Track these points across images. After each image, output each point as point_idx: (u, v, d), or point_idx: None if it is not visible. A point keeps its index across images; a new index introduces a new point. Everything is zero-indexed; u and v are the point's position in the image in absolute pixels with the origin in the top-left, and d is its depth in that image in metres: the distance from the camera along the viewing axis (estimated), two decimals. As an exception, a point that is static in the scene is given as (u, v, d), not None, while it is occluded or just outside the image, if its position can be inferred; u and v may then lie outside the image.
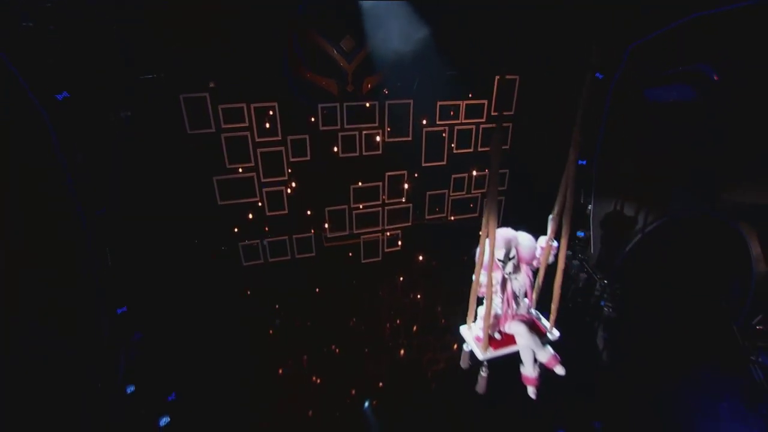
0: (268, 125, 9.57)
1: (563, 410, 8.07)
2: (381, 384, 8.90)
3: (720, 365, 8.25)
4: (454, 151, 10.92)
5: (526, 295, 4.65)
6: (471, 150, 10.99)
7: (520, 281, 4.57)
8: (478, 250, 4.30)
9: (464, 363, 4.74)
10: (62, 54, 7.58)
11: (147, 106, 8.72)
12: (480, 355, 4.48)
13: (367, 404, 8.41)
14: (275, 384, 8.93)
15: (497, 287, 4.51)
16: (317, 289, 10.97)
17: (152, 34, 8.21)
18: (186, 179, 9.34)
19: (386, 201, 10.96)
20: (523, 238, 4.60)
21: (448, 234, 11.56)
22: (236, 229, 10.20)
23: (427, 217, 11.45)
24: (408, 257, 11.59)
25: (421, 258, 11.75)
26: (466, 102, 10.48)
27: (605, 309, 10.59)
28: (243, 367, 8.91)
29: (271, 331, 10.15)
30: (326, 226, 10.78)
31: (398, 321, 10.53)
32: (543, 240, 4.54)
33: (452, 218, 11.58)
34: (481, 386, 4.67)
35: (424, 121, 10.48)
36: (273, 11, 8.89)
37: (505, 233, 4.45)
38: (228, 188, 9.80)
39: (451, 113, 10.47)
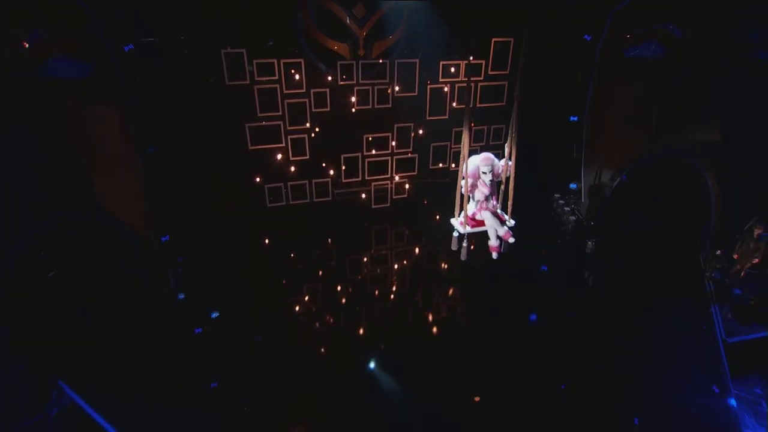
0: (297, 77, 11.04)
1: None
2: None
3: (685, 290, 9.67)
4: (455, 106, 12.36)
5: (493, 197, 6.57)
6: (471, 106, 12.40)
7: (491, 186, 6.46)
8: (462, 165, 6.17)
9: (454, 245, 6.58)
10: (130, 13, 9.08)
11: (193, 61, 10.20)
12: (461, 231, 6.38)
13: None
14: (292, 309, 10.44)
15: (479, 191, 6.41)
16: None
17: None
18: (223, 125, 10.83)
19: (395, 150, 12.43)
20: (496, 160, 6.49)
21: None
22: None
23: (430, 167, 12.92)
24: (415, 204, 13.09)
25: (425, 202, 13.25)
26: (465, 62, 11.91)
27: (588, 245, 12.05)
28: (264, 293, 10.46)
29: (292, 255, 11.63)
30: (343, 169, 12.24)
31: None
32: (503, 161, 6.47)
33: (453, 167, 13.03)
34: (463, 254, 6.52)
35: (428, 82, 11.97)
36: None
37: (488, 155, 6.35)
38: (258, 134, 11.30)
39: (452, 70, 11.90)
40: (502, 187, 6.51)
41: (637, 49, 10.87)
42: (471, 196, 6.43)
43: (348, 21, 11.10)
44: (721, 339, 8.04)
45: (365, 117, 11.96)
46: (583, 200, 12.63)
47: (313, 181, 12.15)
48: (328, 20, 11.10)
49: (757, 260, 9.29)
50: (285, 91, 11.08)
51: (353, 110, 11.81)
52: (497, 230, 6.33)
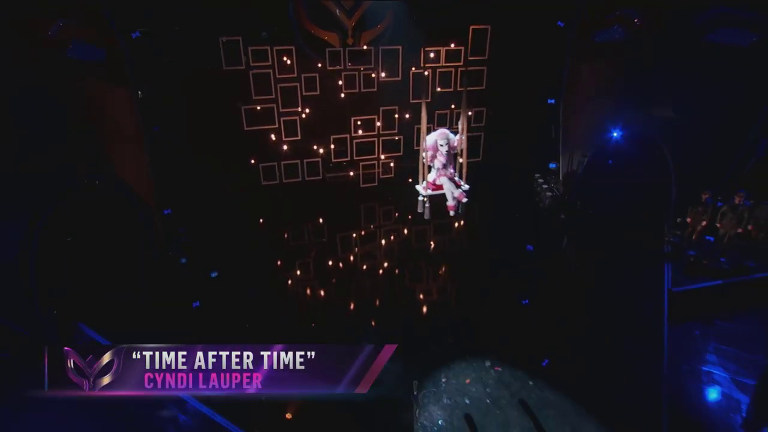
0: (288, 62, 12.03)
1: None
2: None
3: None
4: (438, 90, 13.27)
5: (450, 165, 7.88)
6: (451, 89, 13.34)
7: (448, 157, 7.80)
8: (423, 141, 7.56)
9: (420, 208, 7.92)
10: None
11: (192, 49, 11.22)
12: (423, 193, 7.74)
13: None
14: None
15: (437, 160, 7.82)
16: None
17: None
18: (220, 107, 11.84)
19: (381, 132, 13.37)
20: (451, 134, 7.82)
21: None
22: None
23: (415, 147, 13.80)
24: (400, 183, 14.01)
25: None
26: (446, 48, 12.84)
27: (562, 217, 12.91)
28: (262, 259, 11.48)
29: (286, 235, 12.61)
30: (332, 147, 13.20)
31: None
32: (458, 136, 7.78)
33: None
34: (426, 213, 7.91)
35: (413, 68, 12.90)
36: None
37: (444, 131, 7.78)
38: (253, 116, 12.29)
39: (432, 55, 12.83)
40: (459, 159, 7.79)
41: (604, 34, 11.73)
42: (431, 165, 7.75)
43: (337, 12, 12.05)
44: (667, 289, 8.98)
45: (352, 101, 12.94)
46: (561, 178, 13.51)
47: (305, 160, 13.13)
48: (319, 11, 12.02)
49: (704, 222, 10.11)
50: (278, 76, 12.09)
51: (342, 95, 12.80)
52: (453, 192, 7.65)
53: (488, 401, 7.32)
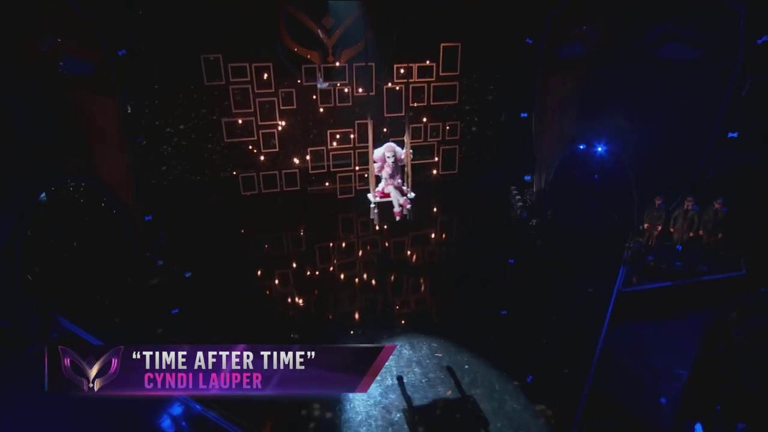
0: (266, 76, 12.75)
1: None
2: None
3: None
4: (411, 104, 13.83)
5: (397, 175, 8.48)
6: (425, 104, 13.92)
7: (395, 168, 8.41)
8: (374, 153, 8.27)
9: (371, 215, 8.68)
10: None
11: (175, 64, 11.99)
12: (373, 201, 8.45)
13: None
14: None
15: (385, 171, 8.41)
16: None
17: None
18: (201, 120, 12.54)
19: (356, 144, 13.94)
20: (398, 147, 8.45)
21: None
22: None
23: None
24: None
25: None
26: (418, 64, 13.47)
27: (531, 222, 13.28)
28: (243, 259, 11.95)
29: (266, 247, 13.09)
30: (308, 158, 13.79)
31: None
32: (404, 150, 8.44)
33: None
34: (375, 219, 8.67)
35: (389, 83, 13.52)
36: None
37: (390, 144, 8.42)
38: (233, 129, 12.97)
39: (402, 71, 13.48)
40: (406, 169, 8.52)
41: (566, 49, 12.29)
42: (380, 175, 8.52)
43: (319, 33, 12.76)
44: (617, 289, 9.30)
45: (329, 115, 13.57)
46: (534, 189, 13.93)
47: (283, 171, 13.72)
48: (300, 30, 12.69)
49: (659, 227, 10.38)
50: (256, 91, 12.79)
51: (320, 110, 13.44)
52: (398, 200, 8.34)
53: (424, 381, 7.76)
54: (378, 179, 8.61)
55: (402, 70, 13.40)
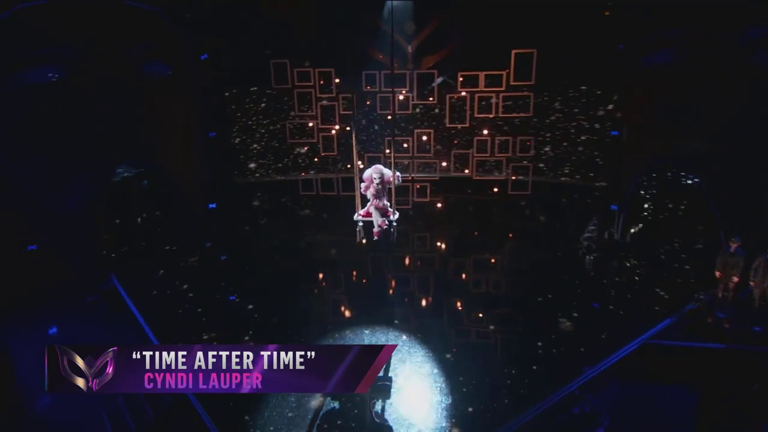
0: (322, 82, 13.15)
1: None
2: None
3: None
4: (475, 115, 12.92)
5: (383, 196, 8.18)
6: (492, 115, 12.89)
7: (381, 189, 8.11)
8: (364, 173, 8.06)
9: (358, 236, 8.35)
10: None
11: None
12: (356, 218, 8.21)
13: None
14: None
15: (370, 191, 8.15)
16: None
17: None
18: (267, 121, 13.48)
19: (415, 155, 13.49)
20: (386, 169, 8.14)
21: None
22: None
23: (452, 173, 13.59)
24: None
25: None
26: (485, 72, 12.54)
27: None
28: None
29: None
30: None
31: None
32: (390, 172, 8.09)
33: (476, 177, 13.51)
34: (358, 237, 8.30)
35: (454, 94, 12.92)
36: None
37: (379, 166, 8.16)
38: (296, 130, 13.62)
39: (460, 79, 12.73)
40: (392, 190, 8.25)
41: (655, 57, 10.44)
42: (365, 194, 8.37)
43: (404, 45, 12.82)
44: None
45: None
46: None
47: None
48: (382, 39, 12.71)
49: (736, 278, 7.92)
50: (318, 95, 13.24)
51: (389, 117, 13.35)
52: (377, 221, 8.18)
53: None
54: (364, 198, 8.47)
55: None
